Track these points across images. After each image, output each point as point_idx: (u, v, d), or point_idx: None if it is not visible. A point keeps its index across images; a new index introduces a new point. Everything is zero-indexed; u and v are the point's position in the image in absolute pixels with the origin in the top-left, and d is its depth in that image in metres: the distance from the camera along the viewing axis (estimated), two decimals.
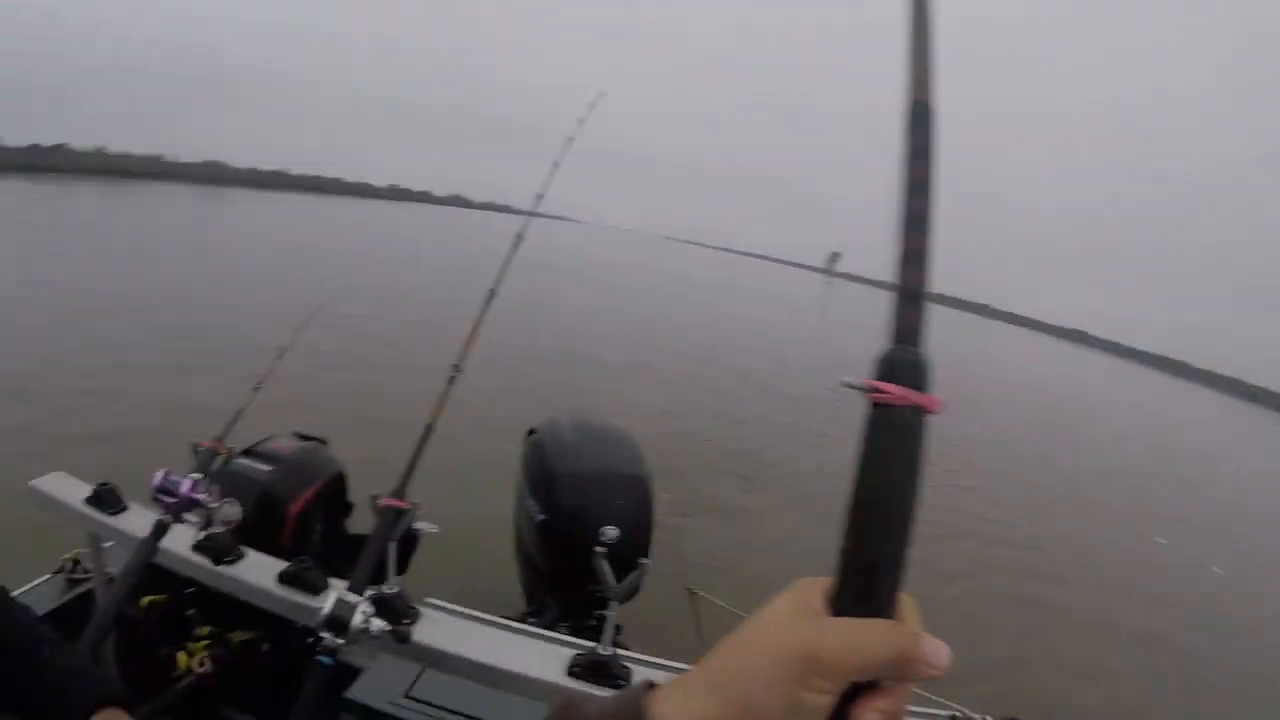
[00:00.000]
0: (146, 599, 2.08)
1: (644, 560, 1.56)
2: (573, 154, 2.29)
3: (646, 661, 1.47)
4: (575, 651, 1.45)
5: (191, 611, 2.09)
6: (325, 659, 1.33)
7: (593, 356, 14.60)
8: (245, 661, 2.06)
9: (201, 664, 1.97)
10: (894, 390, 0.45)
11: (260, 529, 1.95)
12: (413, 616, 1.51)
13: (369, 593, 1.43)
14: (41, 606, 1.95)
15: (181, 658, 1.98)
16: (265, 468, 2.07)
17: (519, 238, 2.12)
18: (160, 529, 1.54)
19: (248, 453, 2.11)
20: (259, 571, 1.66)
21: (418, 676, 1.80)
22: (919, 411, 0.45)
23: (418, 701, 1.73)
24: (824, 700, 0.43)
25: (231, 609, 2.06)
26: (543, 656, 1.45)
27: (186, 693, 1.95)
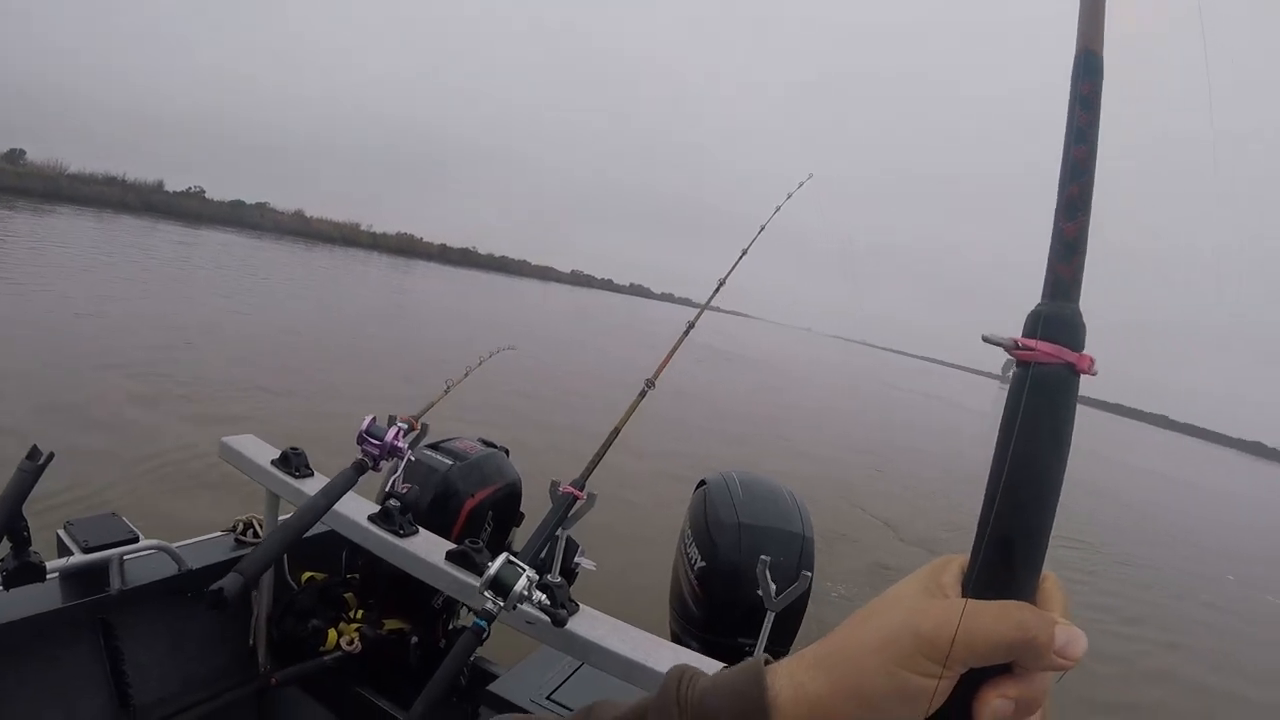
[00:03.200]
0: (306, 575, 2.19)
1: (807, 573, 1.51)
2: (768, 241, 2.27)
3: None
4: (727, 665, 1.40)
5: (348, 595, 2.18)
6: (481, 622, 1.33)
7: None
8: (391, 649, 2.10)
9: (351, 643, 2.02)
10: (1042, 347, 0.42)
11: (434, 517, 2.01)
12: (572, 609, 1.50)
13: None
14: (203, 559, 2.04)
15: (331, 634, 2.05)
16: (448, 461, 2.14)
17: (721, 282, 2.19)
18: (360, 468, 1.60)
19: (434, 447, 2.20)
20: (428, 548, 1.70)
21: (571, 674, 1.79)
22: (1070, 371, 0.43)
23: (558, 705, 1.71)
24: (931, 684, 0.41)
25: (390, 600, 2.13)
26: (696, 663, 1.40)
27: (329, 666, 2.00)
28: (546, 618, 1.42)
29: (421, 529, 1.78)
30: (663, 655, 1.41)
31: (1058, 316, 0.43)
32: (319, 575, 2.19)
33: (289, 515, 1.53)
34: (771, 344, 68.24)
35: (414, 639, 2.13)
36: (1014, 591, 0.42)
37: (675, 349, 1.93)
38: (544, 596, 1.36)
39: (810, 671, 0.45)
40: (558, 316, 41.34)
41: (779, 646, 1.74)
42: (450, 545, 1.70)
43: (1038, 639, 0.40)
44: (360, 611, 2.15)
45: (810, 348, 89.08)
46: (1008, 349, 0.44)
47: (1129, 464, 34.72)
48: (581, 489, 1.56)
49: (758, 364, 36.21)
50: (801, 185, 2.29)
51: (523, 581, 1.30)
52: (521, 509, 2.32)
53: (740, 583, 1.99)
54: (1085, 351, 0.43)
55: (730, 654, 2.29)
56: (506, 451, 2.35)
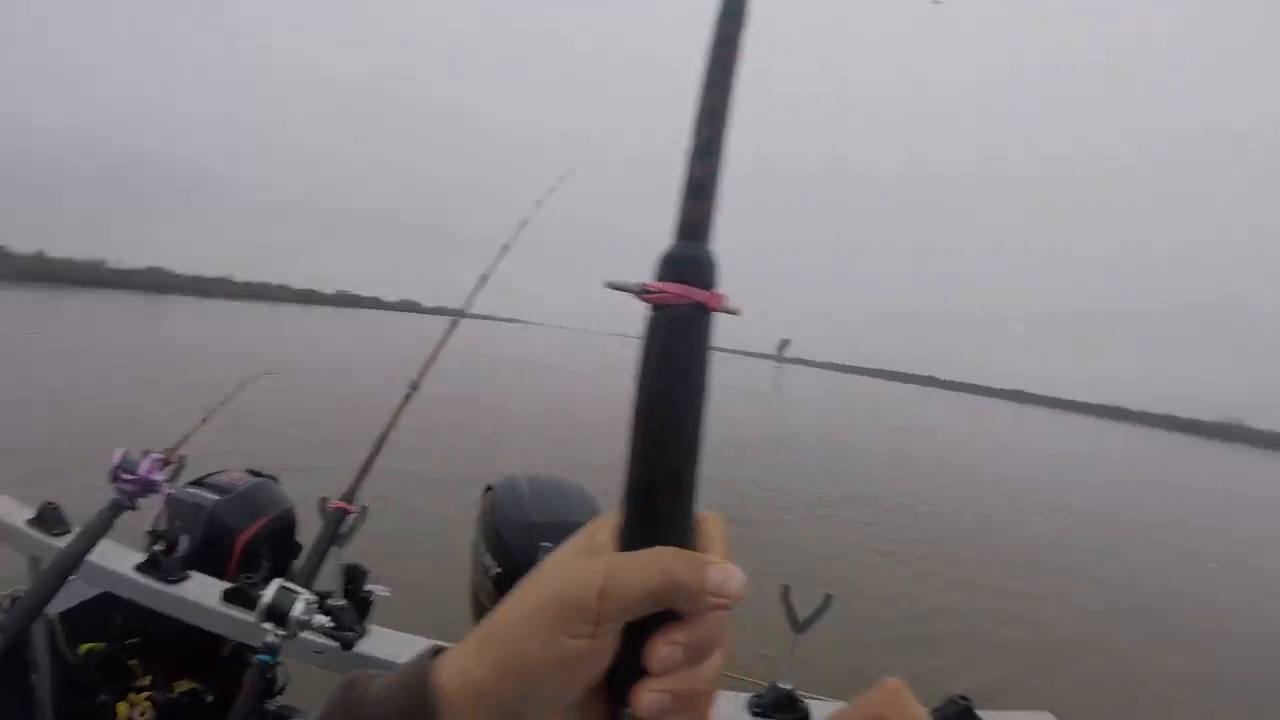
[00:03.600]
0: (85, 646, 2.01)
1: None
2: (537, 241, 2.22)
3: None
4: None
5: (133, 662, 2.02)
6: (264, 658, 1.28)
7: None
8: (186, 713, 1.98)
9: (143, 713, 1.89)
10: (670, 288, 0.42)
11: (207, 557, 1.91)
12: (360, 632, 1.46)
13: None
14: None
15: (121, 708, 1.90)
16: (213, 496, 2.03)
17: (484, 277, 2.14)
18: (116, 508, 1.48)
19: (197, 483, 2.08)
20: (201, 592, 1.61)
21: None
22: (701, 310, 0.42)
23: None
24: (586, 645, 0.40)
25: (175, 660, 1.99)
26: None
27: None
28: (335, 643, 1.38)
29: (193, 573, 1.69)
30: None
31: (686, 257, 0.42)
32: (98, 645, 2.01)
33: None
34: (536, 345, 69.50)
35: (209, 698, 2.03)
36: (665, 538, 0.41)
37: (439, 349, 1.91)
38: (327, 620, 1.32)
39: (473, 655, 0.43)
40: (326, 342, 39.94)
41: None
42: (226, 585, 1.62)
43: (687, 582, 0.39)
44: (148, 678, 2.00)
45: (585, 349, 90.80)
46: (636, 294, 0.43)
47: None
48: (351, 502, 1.53)
49: (522, 367, 37.59)
50: (563, 179, 2.24)
51: (300, 605, 1.27)
52: (299, 539, 2.23)
53: None
54: (717, 290, 0.43)
55: None
56: (275, 479, 2.26)
